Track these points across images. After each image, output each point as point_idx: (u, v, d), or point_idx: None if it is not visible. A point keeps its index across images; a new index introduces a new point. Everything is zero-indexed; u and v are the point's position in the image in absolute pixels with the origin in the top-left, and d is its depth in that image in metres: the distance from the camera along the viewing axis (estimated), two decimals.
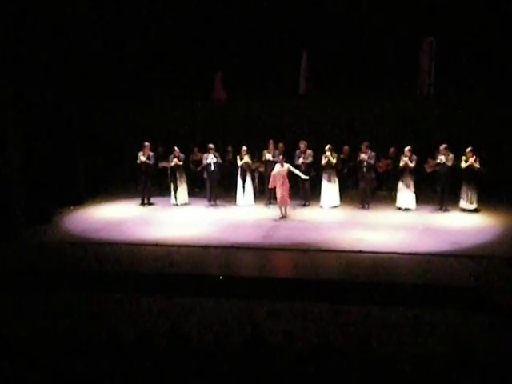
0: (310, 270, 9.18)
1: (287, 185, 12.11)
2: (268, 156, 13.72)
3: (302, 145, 13.42)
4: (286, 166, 12.16)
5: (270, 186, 12.37)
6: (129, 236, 11.14)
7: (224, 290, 8.65)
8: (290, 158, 13.84)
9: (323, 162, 13.30)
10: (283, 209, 12.14)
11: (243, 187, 13.80)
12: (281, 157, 12.78)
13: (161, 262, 9.63)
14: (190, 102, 15.83)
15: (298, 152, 13.50)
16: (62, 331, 6.14)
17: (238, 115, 15.86)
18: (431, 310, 7.92)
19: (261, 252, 10.16)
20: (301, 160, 13.33)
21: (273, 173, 12.12)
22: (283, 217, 12.10)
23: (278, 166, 12.14)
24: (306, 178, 12.74)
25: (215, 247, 10.35)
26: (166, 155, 14.60)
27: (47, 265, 9.51)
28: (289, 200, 12.17)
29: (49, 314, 7.94)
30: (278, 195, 12.08)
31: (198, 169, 14.40)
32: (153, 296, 8.60)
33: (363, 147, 13.15)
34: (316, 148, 13.77)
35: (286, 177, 12.08)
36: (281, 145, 14.76)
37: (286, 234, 11.18)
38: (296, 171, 12.46)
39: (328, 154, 13.23)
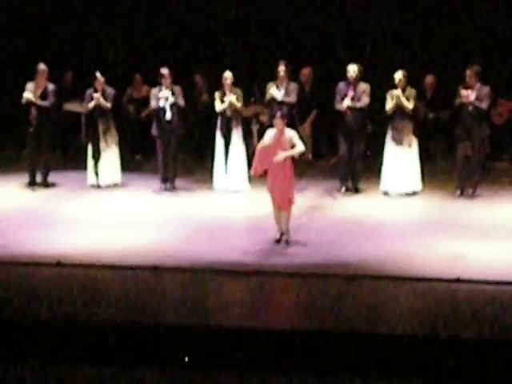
0: (358, 316, 9.14)
1: (291, 170, 11.41)
2: (276, 92, 13.77)
3: (352, 71, 13.46)
4: (290, 133, 11.49)
5: (252, 172, 11.73)
6: (4, 247, 11.24)
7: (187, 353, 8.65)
8: (322, 98, 13.81)
9: (389, 105, 13.39)
10: (283, 220, 11.50)
11: (226, 154, 13.89)
12: (279, 114, 11.82)
13: (67, 297, 9.63)
14: None
15: (341, 85, 13.56)
16: None
17: (214, 10, 16.12)
18: None
19: (261, 281, 10.26)
20: (347, 102, 13.37)
21: (260, 145, 11.52)
22: (281, 239, 11.47)
23: (270, 132, 11.55)
24: (308, 154, 11.50)
25: (173, 270, 10.50)
26: (79, 90, 14.67)
27: None
28: (294, 199, 11.51)
29: None
30: (274, 192, 11.42)
31: (143, 114, 14.51)
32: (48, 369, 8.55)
33: (468, 76, 13.16)
34: (374, 77, 13.87)
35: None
36: (305, 71, 14.80)
37: (312, 248, 11.24)
38: (299, 147, 11.34)
39: (398, 90, 13.24)
